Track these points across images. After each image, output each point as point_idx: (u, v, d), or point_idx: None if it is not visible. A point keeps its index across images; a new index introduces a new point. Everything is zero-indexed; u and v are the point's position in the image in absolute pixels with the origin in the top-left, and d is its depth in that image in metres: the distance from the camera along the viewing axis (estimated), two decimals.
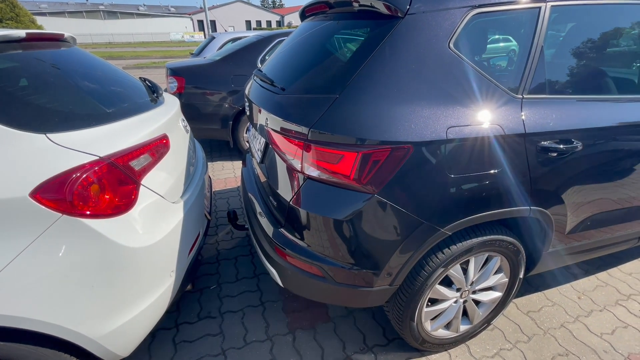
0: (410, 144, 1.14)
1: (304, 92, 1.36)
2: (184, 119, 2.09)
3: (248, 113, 1.89)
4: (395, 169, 1.16)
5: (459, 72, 1.21)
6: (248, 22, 63.07)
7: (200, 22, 59.34)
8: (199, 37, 47.99)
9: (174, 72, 3.86)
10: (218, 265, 2.30)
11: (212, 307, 1.94)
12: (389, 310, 1.53)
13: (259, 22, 64.93)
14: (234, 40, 6.40)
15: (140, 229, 1.24)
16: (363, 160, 1.15)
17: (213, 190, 3.45)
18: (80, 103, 1.37)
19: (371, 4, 1.30)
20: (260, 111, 1.54)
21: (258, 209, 1.65)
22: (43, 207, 1.00)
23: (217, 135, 4.12)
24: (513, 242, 1.46)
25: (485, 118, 1.22)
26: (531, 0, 1.29)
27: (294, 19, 65.51)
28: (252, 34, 4.81)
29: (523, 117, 1.27)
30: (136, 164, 1.28)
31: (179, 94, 3.81)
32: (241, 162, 4.14)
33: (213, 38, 7.06)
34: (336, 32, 1.60)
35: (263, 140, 1.66)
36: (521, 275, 1.62)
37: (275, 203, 1.49)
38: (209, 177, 2.34)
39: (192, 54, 8.08)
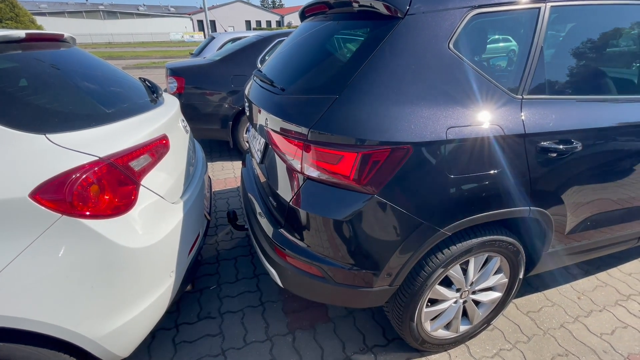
0: (410, 144, 1.14)
1: (304, 92, 1.36)
2: (184, 119, 2.09)
3: (248, 113, 1.89)
4: (395, 169, 1.16)
5: (458, 73, 1.21)
6: (248, 22, 63.08)
7: (200, 22, 59.34)
8: (199, 37, 48.00)
9: (174, 72, 3.86)
10: (218, 266, 2.30)
11: (212, 308, 1.94)
12: (388, 310, 1.53)
13: (258, 22, 64.95)
14: (233, 40, 6.41)
15: (140, 229, 1.24)
16: (363, 161, 1.15)
17: (213, 190, 3.45)
18: (80, 103, 1.37)
19: (371, 4, 1.30)
20: (260, 111, 1.54)
21: (258, 209, 1.65)
22: (43, 207, 1.00)
23: (216, 135, 4.12)
24: (513, 243, 1.46)
25: (485, 118, 1.22)
26: (531, 0, 1.29)
27: (293, 19, 65.52)
28: (252, 34, 4.81)
29: (523, 117, 1.27)
30: (136, 164, 1.28)
31: (178, 94, 3.81)
32: (241, 162, 4.14)
33: (213, 38, 7.06)
34: (336, 33, 1.60)
35: (263, 140, 1.66)
36: (521, 276, 1.62)
37: (275, 203, 1.49)
38: (209, 177, 2.34)
39: (191, 54, 8.08)
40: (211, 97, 3.89)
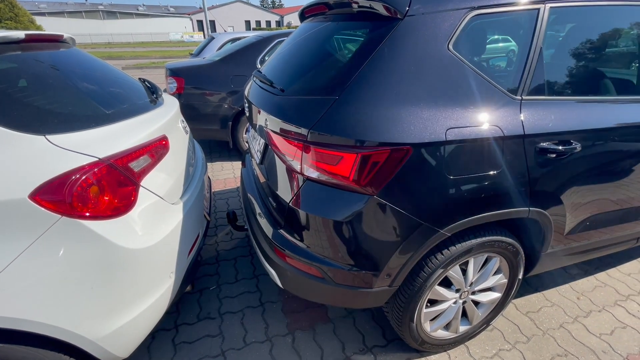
0: (409, 145, 1.15)
1: (304, 93, 1.36)
2: (184, 119, 2.09)
3: (247, 114, 1.89)
4: (394, 170, 1.16)
5: (458, 74, 1.21)
6: (247, 22, 63.06)
7: (200, 22, 59.32)
8: (199, 37, 47.98)
9: (174, 73, 3.86)
10: (217, 266, 2.30)
11: (212, 308, 1.94)
12: (388, 311, 1.53)
13: (258, 22, 64.92)
14: (233, 40, 6.41)
15: (139, 230, 1.24)
16: (362, 162, 1.15)
17: (212, 191, 3.46)
18: (80, 104, 1.36)
19: (370, 5, 1.30)
20: (259, 112, 1.54)
21: (257, 209, 1.65)
22: (42, 208, 1.00)
23: (216, 135, 4.12)
24: (512, 243, 1.46)
25: (484, 119, 1.22)
26: (530, 1, 1.29)
27: (293, 19, 65.50)
28: (251, 35, 4.81)
29: (522, 118, 1.27)
30: (135, 165, 1.28)
31: (178, 94, 3.81)
32: (240, 162, 4.14)
33: (212, 38, 7.07)
34: (336, 33, 1.60)
35: (262, 141, 1.66)
36: (520, 276, 1.62)
37: (274, 204, 1.49)
38: (209, 177, 2.34)
39: (191, 54, 8.08)
40: (211, 98, 3.89)
